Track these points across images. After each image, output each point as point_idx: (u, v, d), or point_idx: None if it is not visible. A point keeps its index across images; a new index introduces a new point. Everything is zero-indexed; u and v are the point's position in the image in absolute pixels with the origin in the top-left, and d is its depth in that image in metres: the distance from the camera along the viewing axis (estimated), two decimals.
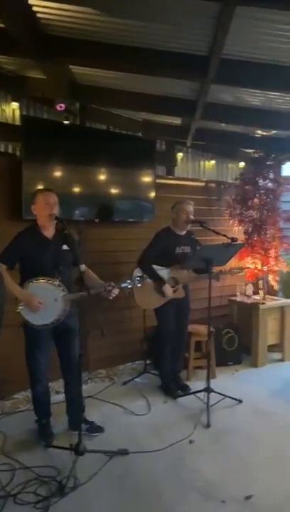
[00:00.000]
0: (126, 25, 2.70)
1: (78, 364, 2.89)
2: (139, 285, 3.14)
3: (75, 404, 3.12)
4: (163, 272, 3.81)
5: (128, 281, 3.04)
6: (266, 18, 2.39)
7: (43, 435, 3.12)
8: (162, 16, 2.54)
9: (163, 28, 2.68)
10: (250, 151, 5.62)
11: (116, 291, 2.98)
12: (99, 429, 3.24)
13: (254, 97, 3.73)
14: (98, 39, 2.94)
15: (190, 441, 3.15)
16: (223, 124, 4.61)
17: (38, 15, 2.73)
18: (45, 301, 2.82)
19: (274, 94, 3.60)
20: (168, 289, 3.78)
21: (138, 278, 3.11)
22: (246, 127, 4.71)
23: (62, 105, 3.78)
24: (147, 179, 4.62)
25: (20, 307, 2.80)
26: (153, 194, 4.62)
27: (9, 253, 2.89)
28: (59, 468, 2.74)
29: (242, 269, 4.20)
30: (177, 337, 4.05)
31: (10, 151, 4.11)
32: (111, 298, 2.98)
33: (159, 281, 3.78)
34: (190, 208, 3.86)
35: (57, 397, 3.61)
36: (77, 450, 2.74)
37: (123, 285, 3.03)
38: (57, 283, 2.84)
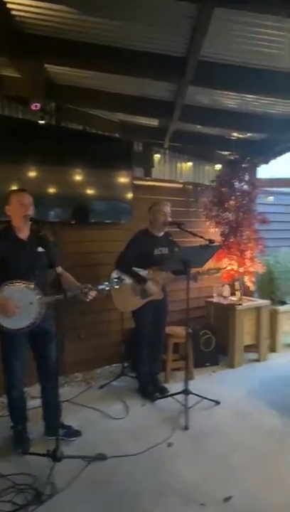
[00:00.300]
0: (103, 24, 2.66)
1: (55, 368, 2.83)
2: (117, 286, 3.11)
3: (52, 409, 3.05)
4: (141, 273, 3.79)
5: (105, 283, 3.00)
6: (242, 20, 2.41)
7: (19, 442, 3.04)
8: (140, 16, 2.52)
9: (141, 28, 2.66)
10: (226, 153, 5.67)
11: (93, 294, 2.93)
12: (77, 434, 3.19)
13: (230, 100, 3.76)
14: (75, 38, 2.89)
15: (169, 444, 3.13)
16: (199, 126, 4.63)
17: (13, 12, 2.67)
18: (21, 304, 2.75)
19: (250, 97, 3.64)
20: (151, 287, 3.75)
21: (116, 279, 3.07)
22: (223, 130, 4.74)
23: (38, 105, 3.71)
24: (124, 180, 4.59)
25: None
26: (130, 195, 4.60)
27: None
28: (36, 475, 2.67)
29: (218, 269, 4.23)
30: (155, 339, 4.04)
31: None
32: (88, 300, 2.93)
33: (140, 281, 3.75)
34: (168, 209, 3.86)
35: (34, 402, 3.52)
36: (55, 456, 2.68)
37: (100, 287, 2.98)
38: (32, 286, 2.78)
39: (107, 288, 3.01)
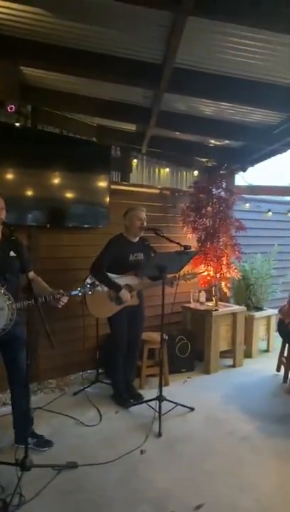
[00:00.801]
0: (80, 29, 2.65)
1: (25, 375, 2.77)
2: (90, 292, 3.06)
3: (22, 417, 2.98)
4: (117, 280, 3.76)
5: (78, 288, 2.96)
6: (218, 30, 2.43)
7: None
8: (116, 22, 2.51)
9: (117, 34, 2.66)
10: (204, 159, 5.71)
11: (65, 299, 2.89)
12: (48, 444, 3.12)
13: (206, 107, 3.79)
14: (51, 41, 2.87)
15: (142, 452, 3.10)
16: (177, 133, 4.65)
17: None
18: None
19: (226, 105, 3.67)
20: (125, 294, 3.73)
21: (89, 285, 3.03)
22: (200, 136, 4.77)
23: (13, 107, 3.67)
24: (101, 184, 4.56)
25: None
26: (107, 200, 4.57)
27: None
28: (3, 485, 2.60)
29: (195, 274, 4.23)
30: (130, 345, 4.01)
31: None
32: (60, 306, 2.88)
33: (114, 288, 3.73)
34: (143, 214, 3.85)
35: (5, 409, 3.46)
36: (23, 465, 2.62)
37: (73, 293, 2.94)
38: (2, 291, 2.72)
39: (80, 294, 2.97)
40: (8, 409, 3.22)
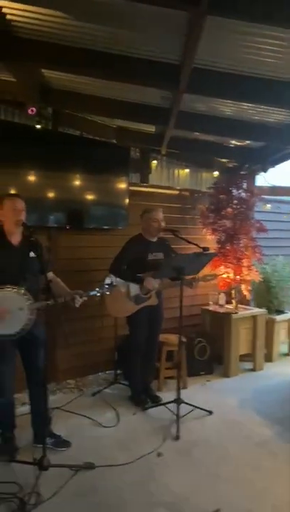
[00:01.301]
0: (98, 30, 2.66)
1: (43, 375, 2.79)
2: (108, 293, 3.07)
3: (40, 417, 3.01)
4: (134, 284, 3.76)
5: (96, 289, 2.98)
6: (237, 29, 2.40)
7: (5, 449, 2.99)
8: (134, 23, 2.51)
9: (135, 35, 2.66)
10: (224, 160, 5.66)
11: (82, 300, 2.91)
12: (66, 444, 3.13)
13: (226, 107, 3.75)
14: (70, 44, 2.89)
15: (159, 454, 3.08)
16: (197, 133, 4.62)
17: (8, 17, 2.67)
18: (10, 310, 2.72)
19: (246, 105, 3.63)
20: (150, 281, 3.70)
21: (107, 286, 3.04)
22: (221, 137, 4.73)
23: (34, 109, 3.71)
24: (121, 186, 4.57)
25: None
26: (126, 201, 4.58)
27: None
28: (21, 483, 2.62)
29: (215, 276, 4.19)
30: (149, 346, 3.99)
31: None
32: (77, 306, 2.90)
33: (136, 280, 3.72)
34: (160, 215, 3.82)
35: (24, 408, 3.49)
36: (41, 465, 2.64)
37: (91, 293, 2.97)
38: (22, 291, 2.75)
39: (98, 294, 2.98)
40: (27, 408, 3.26)
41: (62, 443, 3.12)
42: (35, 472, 2.62)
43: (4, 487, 2.59)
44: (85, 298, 2.93)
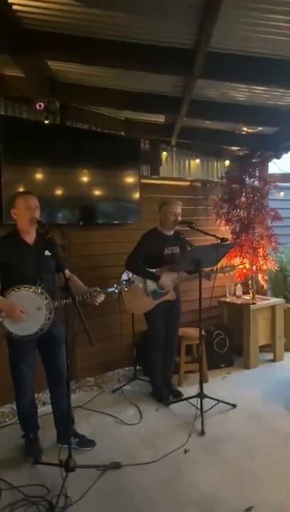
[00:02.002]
0: (106, 17, 2.55)
1: (66, 375, 2.74)
2: (126, 289, 3.01)
3: (64, 417, 2.95)
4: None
5: (114, 285, 2.91)
6: (251, 6, 2.28)
7: (30, 451, 2.96)
8: (144, 6, 2.40)
9: (146, 20, 2.55)
10: (235, 148, 5.54)
11: (102, 297, 2.86)
12: (90, 443, 3.08)
13: (239, 93, 3.63)
14: (76, 33, 2.78)
15: (185, 451, 3.03)
16: (208, 122, 4.51)
17: (14, 7, 2.58)
18: (28, 310, 2.68)
19: (259, 90, 3.51)
20: (165, 281, 3.64)
21: (125, 282, 2.98)
22: (232, 124, 4.61)
23: (42, 104, 3.62)
24: (132, 180, 4.49)
25: (1, 317, 2.65)
26: (137, 195, 4.50)
27: None
28: (48, 486, 2.59)
29: (233, 266, 4.10)
30: (168, 341, 3.93)
31: None
32: (97, 304, 2.85)
33: (152, 277, 3.66)
34: (179, 209, 3.75)
35: (46, 408, 3.45)
36: (67, 466, 2.59)
37: (110, 290, 2.90)
38: (39, 291, 2.70)
39: (116, 291, 2.92)
40: (48, 408, 3.22)
41: (86, 442, 3.08)
42: (61, 473, 2.57)
43: (32, 490, 2.55)
44: (104, 296, 2.86)
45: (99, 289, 2.85)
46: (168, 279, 3.67)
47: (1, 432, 3.33)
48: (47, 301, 2.72)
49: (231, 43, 2.74)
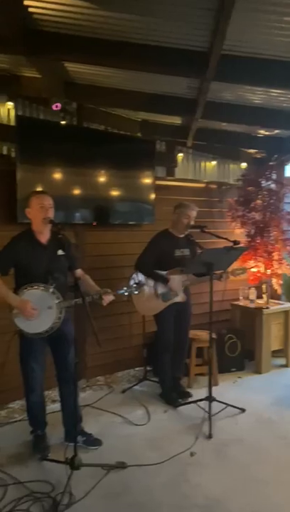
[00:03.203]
0: (121, 19, 2.58)
1: (74, 372, 2.76)
2: (136, 292, 3.02)
3: (71, 415, 2.97)
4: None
5: (124, 288, 2.93)
6: (269, 9, 2.27)
7: (38, 448, 2.99)
8: (159, 9, 2.42)
9: (161, 22, 2.56)
10: (252, 151, 5.50)
11: (110, 298, 2.88)
12: (97, 442, 3.09)
13: (255, 95, 3.61)
14: (92, 35, 2.82)
15: (192, 454, 3.01)
16: (224, 124, 4.49)
17: (30, 9, 2.62)
18: (39, 308, 2.71)
19: (276, 92, 3.48)
20: (174, 283, 3.64)
21: (135, 285, 2.99)
22: (248, 127, 4.58)
23: (58, 105, 3.67)
24: (147, 181, 4.50)
25: (14, 314, 2.70)
26: (152, 196, 4.50)
27: (2, 259, 2.79)
28: (53, 483, 2.61)
29: (244, 269, 4.07)
30: (178, 343, 3.92)
31: (5, 152, 3.99)
32: (105, 304, 2.87)
33: (161, 280, 3.66)
34: (194, 213, 3.73)
35: (54, 406, 3.49)
36: (73, 464, 2.61)
37: (119, 292, 2.92)
38: (51, 290, 2.73)
39: (126, 293, 2.94)
40: (57, 406, 3.25)
41: (93, 441, 3.09)
42: (66, 471, 2.59)
43: (37, 486, 2.59)
44: (113, 297, 2.88)
45: (109, 291, 2.87)
46: (176, 282, 3.67)
47: (11, 427, 3.37)
48: (59, 300, 2.75)
49: (245, 45, 2.73)
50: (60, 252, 2.85)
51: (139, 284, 3.03)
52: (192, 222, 3.72)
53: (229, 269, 3.76)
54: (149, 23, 2.60)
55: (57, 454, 2.88)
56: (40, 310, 2.72)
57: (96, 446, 3.07)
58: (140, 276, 3.67)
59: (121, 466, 2.82)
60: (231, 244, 3.44)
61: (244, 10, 2.21)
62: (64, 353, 2.98)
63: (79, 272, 3.02)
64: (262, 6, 2.23)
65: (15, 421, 3.45)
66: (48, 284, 2.76)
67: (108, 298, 2.86)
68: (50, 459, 2.85)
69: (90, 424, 3.30)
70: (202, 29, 2.52)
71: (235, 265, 4.02)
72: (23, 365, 2.93)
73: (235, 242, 3.46)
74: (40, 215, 2.79)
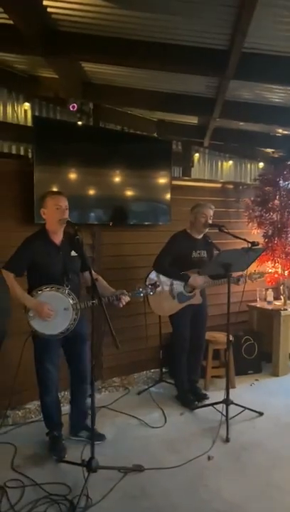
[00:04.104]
0: (139, 18, 2.55)
1: (88, 371, 2.83)
2: (151, 293, 3.04)
3: (81, 414, 3.07)
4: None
5: (140, 289, 2.94)
6: (283, 4, 2.22)
7: (54, 449, 2.98)
8: (178, 7, 2.38)
9: (180, 20, 2.53)
10: (270, 150, 5.43)
11: (126, 299, 2.87)
12: (100, 437, 3.08)
13: (274, 94, 3.55)
14: (110, 34, 2.80)
15: (209, 458, 2.97)
16: (241, 123, 4.43)
17: (49, 9, 2.61)
18: (55, 309, 2.72)
19: None
20: (196, 279, 3.61)
21: (151, 286, 2.99)
22: (266, 126, 4.52)
23: (75, 105, 3.67)
24: (162, 181, 4.47)
25: (29, 317, 2.71)
26: (168, 196, 4.47)
27: (17, 260, 2.79)
28: (70, 485, 2.60)
29: (262, 274, 4.01)
30: (194, 345, 3.89)
31: (22, 153, 4.01)
32: (121, 306, 2.87)
33: (180, 278, 3.63)
34: (210, 212, 3.70)
35: (67, 407, 3.49)
36: (90, 466, 2.59)
37: (135, 294, 2.92)
38: (66, 291, 2.74)
39: (142, 295, 2.94)
40: None
41: (96, 436, 3.06)
42: (83, 473, 2.58)
43: (54, 488, 2.58)
44: (129, 298, 2.88)
45: (126, 292, 2.87)
46: (198, 279, 3.63)
47: (27, 428, 3.37)
48: (74, 301, 2.75)
49: (265, 43, 2.68)
50: (73, 253, 2.87)
51: (155, 285, 3.02)
52: (210, 221, 3.68)
53: (247, 272, 3.70)
54: (168, 22, 2.57)
55: (72, 455, 2.87)
56: (56, 311, 2.72)
57: (99, 441, 3.02)
58: (156, 277, 3.64)
59: (138, 469, 2.80)
60: (249, 245, 3.39)
61: (266, 6, 2.16)
62: (78, 352, 2.99)
63: (93, 273, 3.02)
64: (284, 2, 2.17)
65: (32, 421, 3.46)
66: (64, 285, 2.76)
67: (124, 299, 2.85)
68: (67, 461, 2.84)
69: (106, 426, 3.30)
70: (223, 26, 2.47)
71: (253, 268, 3.98)
72: (38, 366, 2.93)
73: (253, 243, 3.40)
74: (56, 216, 2.79)
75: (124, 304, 2.87)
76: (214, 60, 2.78)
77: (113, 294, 2.85)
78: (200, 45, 2.78)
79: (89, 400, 2.80)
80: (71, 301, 2.73)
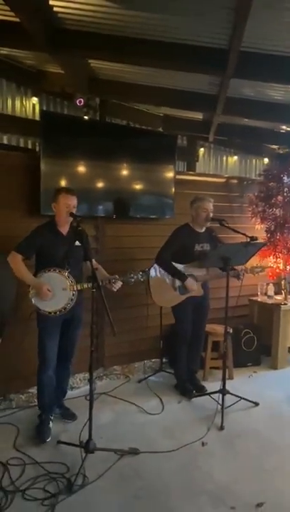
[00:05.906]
0: (143, 17, 2.64)
1: (73, 352, 3.25)
2: (142, 279, 3.20)
3: (61, 394, 3.38)
4: (183, 270, 3.74)
5: (131, 275, 3.12)
6: (282, 6, 2.28)
7: (38, 431, 3.11)
8: (179, 7, 2.46)
9: (181, 20, 2.60)
10: (275, 146, 5.46)
11: (119, 284, 3.10)
12: (73, 417, 3.33)
13: (275, 92, 3.61)
14: (115, 33, 2.89)
15: (203, 444, 3.09)
16: (246, 119, 4.48)
17: (55, 9, 2.70)
18: (54, 289, 2.97)
19: None
20: (190, 283, 3.70)
21: (141, 273, 3.16)
22: (271, 122, 4.56)
23: (82, 100, 3.76)
24: (167, 175, 4.54)
25: (30, 293, 2.97)
26: (172, 190, 4.53)
27: (28, 244, 3.05)
28: (68, 465, 2.73)
29: (263, 268, 4.08)
30: (194, 336, 3.97)
31: (29, 146, 4.11)
32: (114, 290, 3.09)
33: (179, 276, 3.72)
34: (210, 205, 3.75)
35: (72, 392, 3.63)
36: (87, 448, 2.73)
37: (128, 279, 3.11)
38: (66, 274, 3.00)
39: (132, 280, 3.12)
40: (76, 392, 3.40)
41: (70, 415, 3.34)
42: (81, 454, 2.72)
43: (52, 467, 2.71)
44: (121, 282, 3.09)
45: (117, 277, 3.10)
46: (193, 283, 3.71)
47: (30, 411, 3.50)
48: (72, 283, 2.99)
49: (264, 42, 2.75)
50: (77, 243, 3.07)
51: (145, 272, 3.20)
52: (211, 215, 3.75)
53: (249, 266, 3.77)
54: (170, 21, 2.64)
55: (72, 438, 3.00)
56: (55, 291, 2.97)
57: (70, 420, 3.29)
58: (158, 269, 3.75)
59: (134, 451, 2.92)
60: (247, 239, 3.46)
61: (262, 7, 2.23)
62: (70, 335, 3.23)
63: (94, 262, 3.14)
64: (279, 3, 2.24)
65: (35, 405, 3.56)
66: (64, 268, 3.01)
67: (117, 284, 3.07)
68: (66, 442, 2.97)
69: (106, 412, 3.43)
70: (222, 27, 2.54)
71: (254, 262, 4.04)
72: (39, 343, 3.13)
73: (252, 238, 3.47)
74: (64, 214, 3.05)
75: (117, 288, 3.09)
76: (214, 59, 2.85)
77: (106, 279, 3.09)
78: (201, 44, 2.86)
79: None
80: (68, 282, 2.97)
